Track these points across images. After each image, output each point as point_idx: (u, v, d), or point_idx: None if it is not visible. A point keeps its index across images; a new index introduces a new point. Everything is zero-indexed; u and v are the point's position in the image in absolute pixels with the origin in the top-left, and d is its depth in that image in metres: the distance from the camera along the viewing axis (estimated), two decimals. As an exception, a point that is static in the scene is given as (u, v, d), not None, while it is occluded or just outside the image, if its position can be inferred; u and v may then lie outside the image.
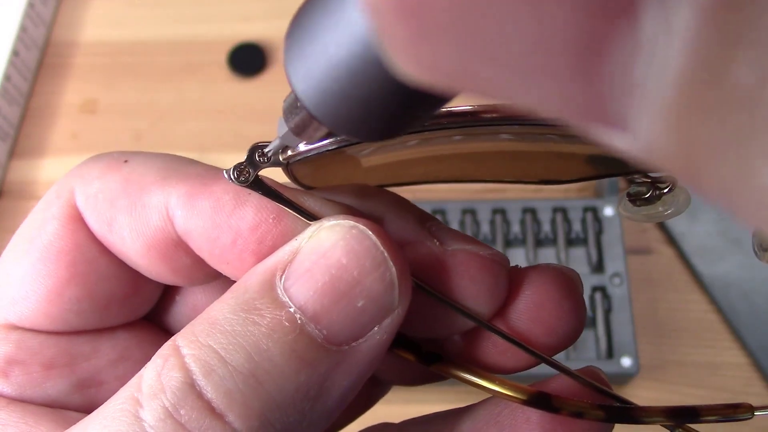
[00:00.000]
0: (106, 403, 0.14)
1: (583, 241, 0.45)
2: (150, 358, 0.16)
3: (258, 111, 0.55)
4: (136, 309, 0.17)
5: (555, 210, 0.46)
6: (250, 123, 0.54)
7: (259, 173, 0.15)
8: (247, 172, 0.14)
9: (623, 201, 0.17)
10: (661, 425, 0.16)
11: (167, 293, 0.18)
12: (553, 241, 0.46)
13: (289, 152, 0.15)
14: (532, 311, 0.16)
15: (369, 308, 0.13)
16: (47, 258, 0.16)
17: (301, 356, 0.13)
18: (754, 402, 0.16)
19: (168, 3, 0.59)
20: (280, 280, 0.14)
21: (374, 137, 0.12)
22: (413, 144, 0.16)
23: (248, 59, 0.56)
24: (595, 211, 0.45)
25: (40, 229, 0.16)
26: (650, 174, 0.16)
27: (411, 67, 0.07)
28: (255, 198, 0.15)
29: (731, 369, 0.44)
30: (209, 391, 0.13)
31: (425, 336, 0.17)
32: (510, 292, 0.16)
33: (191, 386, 0.13)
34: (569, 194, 0.48)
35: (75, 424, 0.14)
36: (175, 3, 0.59)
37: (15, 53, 0.54)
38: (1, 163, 0.53)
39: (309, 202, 0.15)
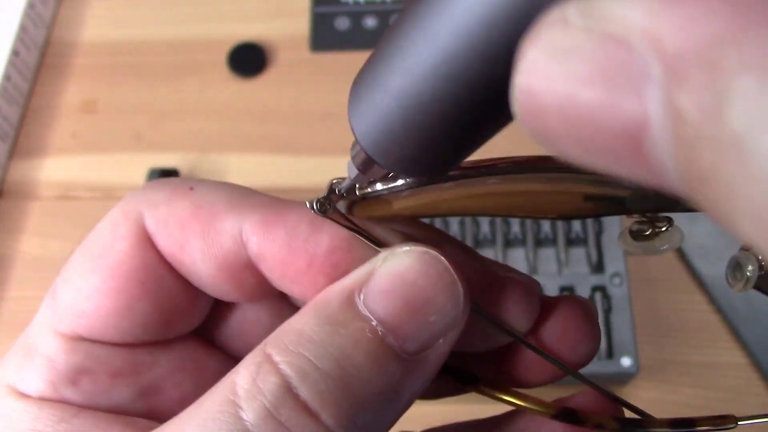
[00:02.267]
0: (195, 406, 0.15)
1: (583, 241, 0.45)
2: (202, 369, 0.18)
3: (258, 111, 0.55)
4: (191, 323, 0.19)
5: (555, 210, 0.46)
6: (250, 123, 0.54)
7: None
8: (328, 204, 0.16)
9: (624, 235, 0.20)
10: None
11: (215, 309, 0.19)
12: (553, 241, 0.46)
13: (368, 189, 0.17)
14: (560, 332, 0.19)
15: (439, 323, 0.15)
16: (119, 275, 0.17)
17: (381, 363, 0.15)
18: (754, 402, 0.17)
19: (168, 3, 0.59)
20: (359, 297, 0.15)
21: (431, 175, 0.14)
22: (446, 187, 0.18)
23: (248, 59, 0.56)
24: (595, 211, 0.45)
25: (110, 248, 0.17)
26: (648, 215, 0.19)
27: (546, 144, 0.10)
28: (328, 226, 0.17)
29: (731, 369, 0.44)
30: (304, 393, 0.14)
31: (464, 350, 0.19)
32: (539, 315, 0.19)
33: (288, 389, 0.14)
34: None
35: (141, 429, 0.16)
36: (175, 3, 0.59)
37: (15, 53, 0.54)
38: (1, 163, 0.53)
39: (377, 231, 0.17)
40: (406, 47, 0.12)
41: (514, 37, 0.10)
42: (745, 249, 0.19)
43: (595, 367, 0.41)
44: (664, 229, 0.19)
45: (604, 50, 0.08)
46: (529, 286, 0.18)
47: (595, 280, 0.44)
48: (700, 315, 0.45)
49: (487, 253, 0.46)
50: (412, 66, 0.12)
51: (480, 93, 0.11)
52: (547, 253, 0.46)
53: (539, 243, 0.46)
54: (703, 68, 0.07)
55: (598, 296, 0.43)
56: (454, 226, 0.46)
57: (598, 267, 0.44)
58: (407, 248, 0.16)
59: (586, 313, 0.19)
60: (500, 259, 0.45)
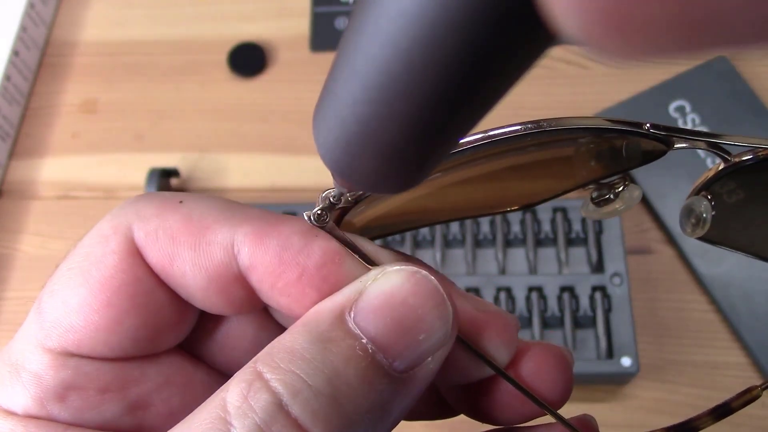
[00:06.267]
0: (184, 423, 0.15)
1: (583, 241, 0.45)
2: (189, 383, 0.18)
3: (258, 111, 0.55)
4: (178, 336, 0.19)
5: (555, 210, 0.46)
6: (250, 123, 0.54)
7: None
8: (325, 215, 0.17)
9: (587, 205, 0.20)
10: None
11: (201, 322, 0.19)
12: (554, 241, 0.46)
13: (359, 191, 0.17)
14: (537, 369, 0.19)
15: (428, 341, 0.16)
16: (108, 289, 0.17)
17: (371, 381, 0.15)
18: (754, 402, 0.17)
19: (168, 3, 0.59)
20: (350, 315, 0.15)
21: (398, 190, 0.14)
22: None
23: (248, 59, 0.56)
24: (595, 211, 0.45)
25: (99, 262, 0.17)
26: (602, 181, 0.20)
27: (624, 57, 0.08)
28: (320, 240, 0.17)
29: (731, 369, 0.44)
30: (296, 410, 0.14)
31: (444, 382, 0.19)
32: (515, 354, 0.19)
33: (279, 406, 0.14)
34: (569, 194, 0.48)
35: None
36: (175, 3, 0.59)
37: (15, 53, 0.54)
38: (1, 163, 0.53)
39: (367, 247, 0.17)
40: (347, 56, 0.11)
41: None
42: (694, 195, 0.19)
43: (595, 367, 0.41)
44: (621, 189, 0.20)
45: None
46: (511, 322, 0.19)
47: (595, 280, 0.44)
48: (700, 315, 0.45)
49: (488, 253, 0.46)
50: (355, 77, 0.11)
51: (432, 95, 0.10)
52: (547, 253, 0.46)
53: (539, 243, 0.46)
54: None
55: (598, 296, 0.43)
56: (454, 226, 0.46)
57: (598, 267, 0.44)
58: (398, 267, 0.16)
59: (560, 354, 0.19)
60: (500, 259, 0.45)
